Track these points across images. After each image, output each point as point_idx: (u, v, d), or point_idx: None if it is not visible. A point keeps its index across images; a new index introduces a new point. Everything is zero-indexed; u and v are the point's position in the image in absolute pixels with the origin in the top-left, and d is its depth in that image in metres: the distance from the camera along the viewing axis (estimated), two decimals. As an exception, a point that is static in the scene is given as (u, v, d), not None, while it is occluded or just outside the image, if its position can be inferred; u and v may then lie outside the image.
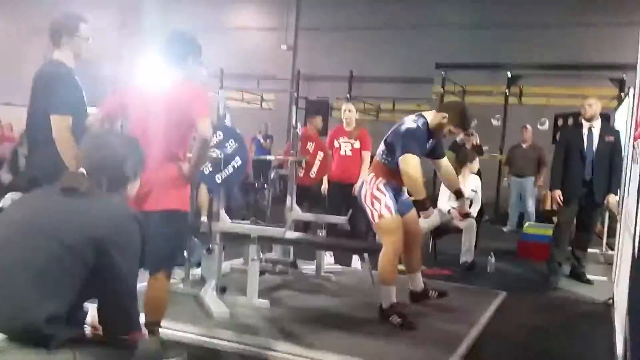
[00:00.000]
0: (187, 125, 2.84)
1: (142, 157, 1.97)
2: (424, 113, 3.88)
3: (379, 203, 3.75)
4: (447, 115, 3.76)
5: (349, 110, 5.72)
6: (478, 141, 9.18)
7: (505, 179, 9.37)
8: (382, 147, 3.91)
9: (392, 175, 3.79)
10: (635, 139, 4.36)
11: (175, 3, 13.10)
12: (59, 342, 1.53)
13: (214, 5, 13.31)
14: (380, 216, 3.74)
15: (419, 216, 3.83)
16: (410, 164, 3.64)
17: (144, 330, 2.00)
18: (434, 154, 4.02)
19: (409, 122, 3.80)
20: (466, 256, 5.73)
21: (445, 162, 4.12)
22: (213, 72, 10.88)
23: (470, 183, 6.02)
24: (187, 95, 2.81)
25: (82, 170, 1.78)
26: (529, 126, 9.24)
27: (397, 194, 3.87)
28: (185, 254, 4.26)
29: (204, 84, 3.84)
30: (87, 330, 1.78)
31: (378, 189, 3.78)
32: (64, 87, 3.06)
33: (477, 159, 6.13)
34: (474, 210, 6.01)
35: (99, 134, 1.93)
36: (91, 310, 1.99)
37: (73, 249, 1.60)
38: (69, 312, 1.63)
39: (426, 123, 3.79)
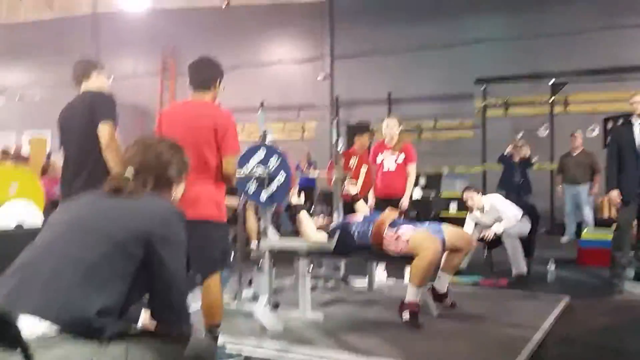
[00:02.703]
0: (216, 145, 2.97)
1: (186, 162, 2.01)
2: None
3: (399, 233, 3.93)
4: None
5: (390, 126, 5.64)
6: (528, 153, 8.94)
7: (560, 187, 9.04)
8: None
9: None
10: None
11: (213, 43, 13.49)
12: (110, 335, 1.55)
13: (250, 43, 13.63)
14: (408, 241, 3.86)
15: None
16: None
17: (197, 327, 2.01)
18: None
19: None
20: (515, 267, 5.43)
21: None
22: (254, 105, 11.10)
23: (484, 217, 5.75)
24: (218, 119, 2.98)
25: (129, 171, 1.83)
26: (578, 133, 8.97)
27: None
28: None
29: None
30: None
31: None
32: (106, 102, 3.24)
33: (478, 194, 5.81)
34: (499, 228, 5.53)
35: (145, 138, 1.99)
36: (144, 312, 2.01)
37: (121, 245, 1.64)
38: (122, 307, 1.65)
39: None
